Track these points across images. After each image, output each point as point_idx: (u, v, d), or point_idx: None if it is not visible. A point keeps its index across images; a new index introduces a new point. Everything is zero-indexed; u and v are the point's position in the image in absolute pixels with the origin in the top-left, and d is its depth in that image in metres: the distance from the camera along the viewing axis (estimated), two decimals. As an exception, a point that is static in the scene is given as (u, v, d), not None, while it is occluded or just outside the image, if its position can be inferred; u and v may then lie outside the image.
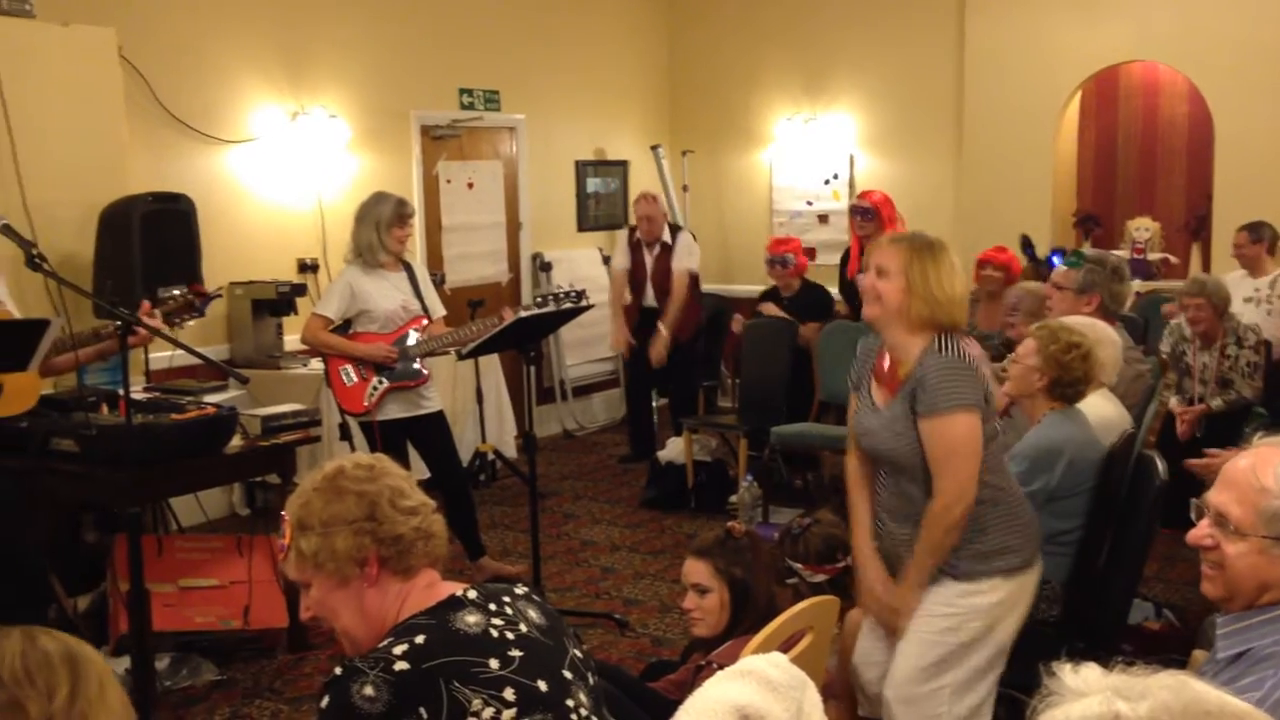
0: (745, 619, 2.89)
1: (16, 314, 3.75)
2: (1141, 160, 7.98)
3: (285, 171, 6.77)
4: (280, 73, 6.73)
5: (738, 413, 6.91)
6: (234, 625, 4.53)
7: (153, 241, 5.30)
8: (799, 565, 3.41)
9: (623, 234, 7.90)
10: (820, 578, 3.39)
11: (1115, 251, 7.04)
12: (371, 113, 7.18)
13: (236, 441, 4.48)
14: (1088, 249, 6.22)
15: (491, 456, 7.05)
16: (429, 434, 5.19)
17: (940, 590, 2.91)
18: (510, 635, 1.87)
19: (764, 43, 8.92)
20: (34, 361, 3.35)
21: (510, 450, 7.25)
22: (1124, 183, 8.05)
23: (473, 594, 1.93)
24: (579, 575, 5.58)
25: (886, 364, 2.98)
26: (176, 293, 3.99)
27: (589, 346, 8.59)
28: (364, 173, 7.13)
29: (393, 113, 7.34)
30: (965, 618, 2.89)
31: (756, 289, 8.76)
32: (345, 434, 5.77)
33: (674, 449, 6.79)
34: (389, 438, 4.94)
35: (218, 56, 6.42)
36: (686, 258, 7.37)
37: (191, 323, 4.24)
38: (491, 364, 7.09)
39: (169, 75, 6.11)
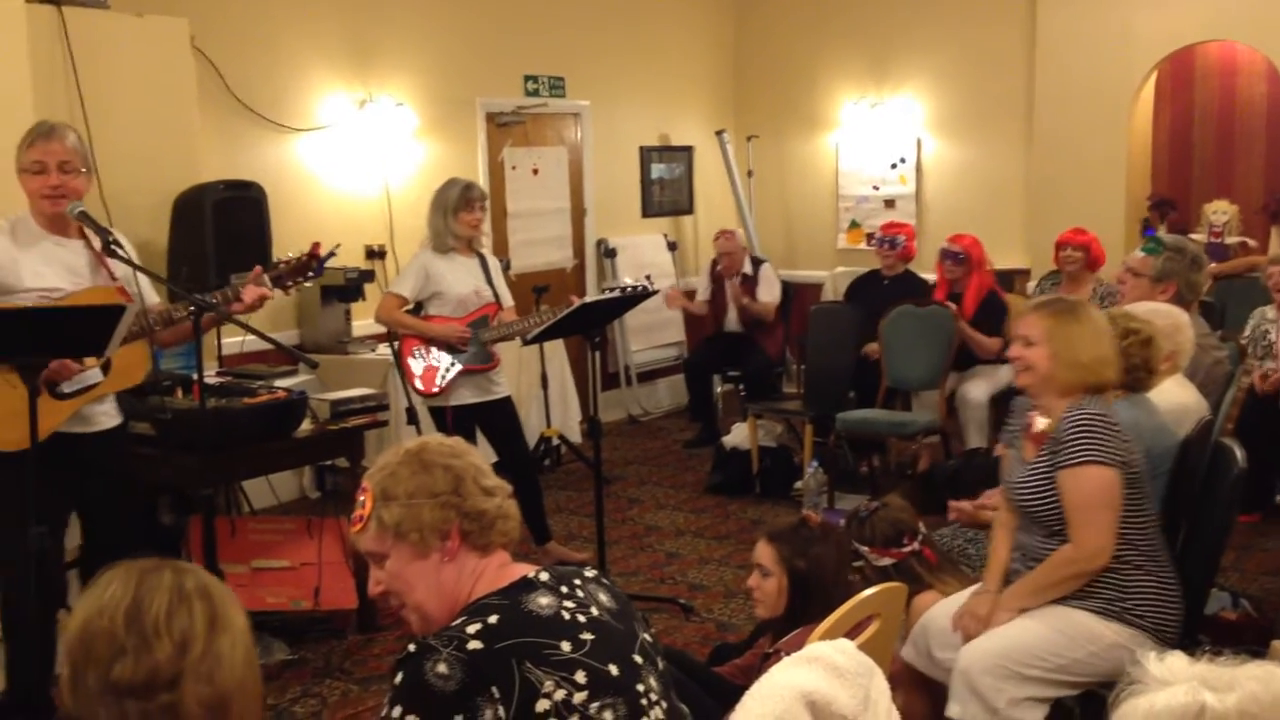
0: (812, 608, 2.87)
1: (151, 297, 3.80)
2: (1218, 142, 7.79)
3: (353, 159, 6.84)
4: (348, 61, 6.80)
5: (803, 398, 6.86)
6: (304, 606, 4.60)
7: (225, 229, 5.39)
8: (865, 549, 3.39)
9: (701, 270, 8.00)
10: (886, 561, 3.37)
11: (1193, 235, 6.91)
12: (437, 100, 7.23)
13: (306, 425, 4.55)
14: (1164, 234, 6.10)
15: (556, 441, 7.08)
16: (498, 419, 5.23)
17: (1072, 613, 2.95)
18: (581, 618, 1.88)
19: (830, 26, 8.83)
20: (111, 347, 3.41)
21: (575, 435, 7.28)
22: (1200, 165, 7.87)
23: (544, 576, 1.94)
24: (643, 560, 5.60)
25: (1037, 424, 3.09)
26: (292, 255, 3.94)
27: (654, 332, 8.59)
28: (430, 160, 7.18)
29: (458, 100, 7.38)
30: (1080, 642, 2.91)
31: (820, 274, 8.76)
32: (412, 418, 5.81)
33: (739, 434, 6.78)
34: (460, 423, 4.98)
35: (287, 45, 6.50)
36: (770, 291, 7.62)
37: (300, 288, 4.11)
38: (556, 349, 7.12)
39: (239, 64, 6.20)
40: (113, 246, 3.63)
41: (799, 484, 6.38)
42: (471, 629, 1.80)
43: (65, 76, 5.04)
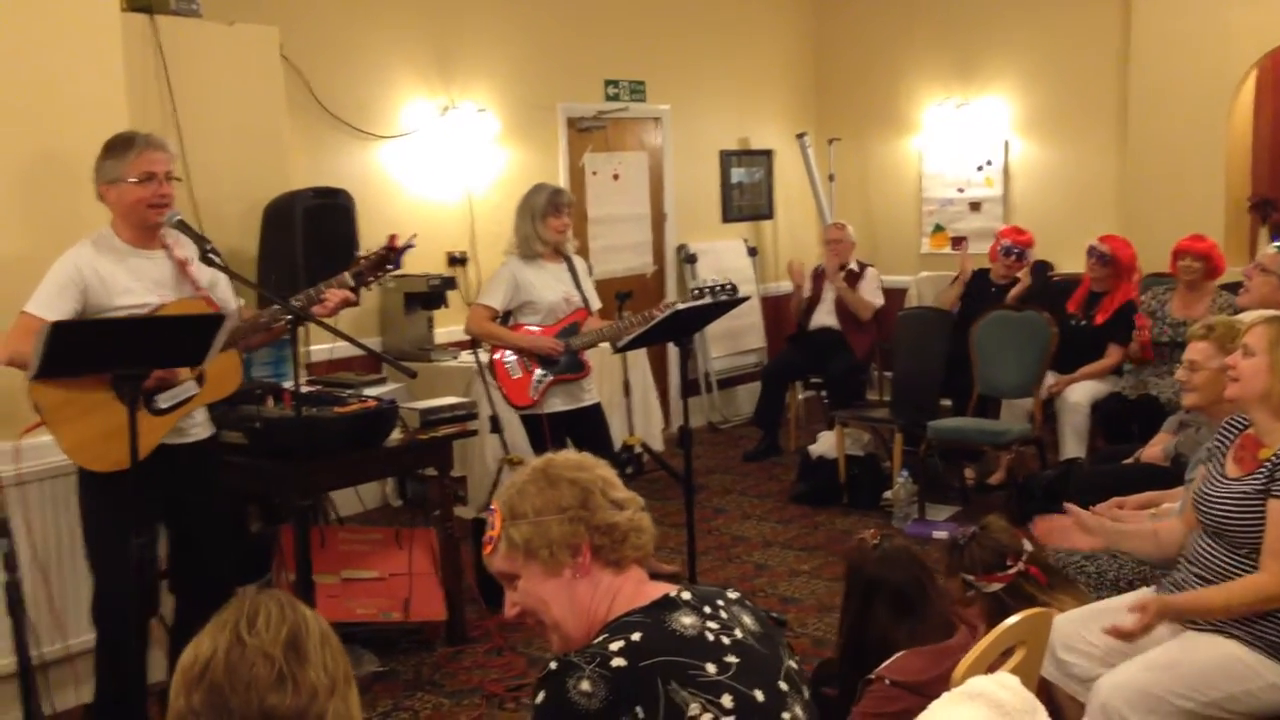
0: (897, 631, 2.73)
1: (231, 303, 3.79)
2: (1323, 141, 7.52)
3: (435, 165, 6.83)
4: (431, 68, 6.79)
5: (890, 406, 6.71)
6: (394, 617, 4.56)
7: (314, 236, 5.38)
8: (971, 577, 3.23)
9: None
10: (995, 587, 3.19)
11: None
12: (519, 106, 7.19)
13: (396, 434, 4.50)
14: None
15: (639, 449, 7.00)
16: (588, 426, 5.16)
17: (1230, 645, 2.83)
18: (726, 640, 1.81)
19: (913, 26, 8.67)
20: (209, 356, 3.39)
21: (657, 443, 7.19)
22: (1303, 164, 7.60)
23: (687, 595, 1.87)
24: (732, 572, 5.49)
25: (1248, 442, 2.96)
26: (370, 250, 3.91)
27: (734, 339, 8.49)
28: (512, 166, 7.15)
29: (540, 105, 7.33)
30: (1236, 678, 2.79)
31: (904, 279, 8.59)
32: (495, 426, 5.78)
33: (825, 443, 6.64)
34: (553, 431, 4.92)
35: (371, 53, 6.49)
36: (873, 294, 7.57)
37: (382, 283, 4.11)
38: (639, 357, 7.04)
39: (325, 72, 6.20)
40: (209, 255, 3.62)
41: (888, 494, 6.24)
42: (615, 646, 1.73)
43: (158, 84, 5.07)
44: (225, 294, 3.77)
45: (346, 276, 3.81)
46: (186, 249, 3.65)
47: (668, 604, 1.84)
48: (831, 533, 6.01)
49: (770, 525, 6.18)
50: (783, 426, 7.71)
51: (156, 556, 3.78)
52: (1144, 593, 3.17)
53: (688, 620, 1.81)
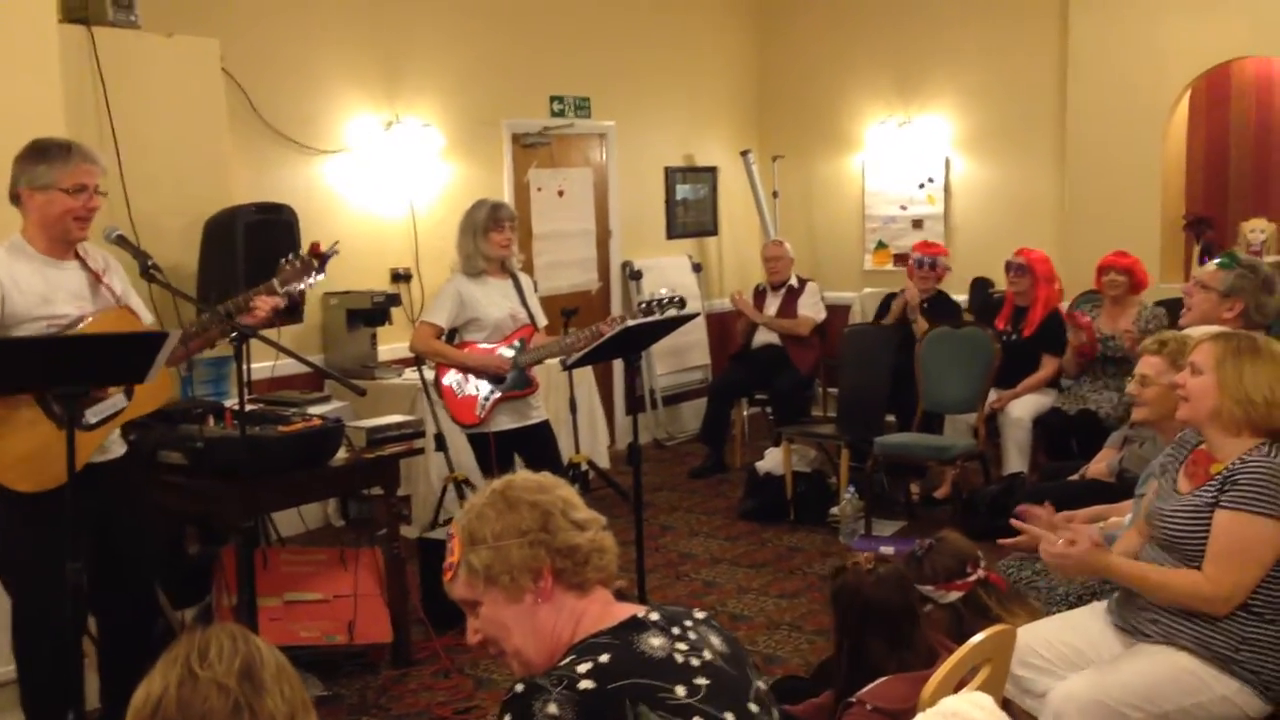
0: (879, 656, 2.70)
1: (145, 315, 3.69)
2: (1256, 159, 7.67)
3: (379, 181, 6.75)
4: (375, 82, 6.71)
5: (837, 422, 6.73)
6: (339, 640, 4.47)
7: (256, 251, 5.27)
8: (929, 588, 3.22)
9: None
10: (953, 595, 3.19)
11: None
12: (464, 121, 7.14)
13: (342, 454, 4.42)
14: (1242, 254, 5.96)
15: (585, 467, 6.96)
16: (537, 444, 5.11)
17: (1182, 658, 2.84)
18: (695, 662, 1.77)
19: (855, 45, 8.75)
20: (151, 373, 3.30)
21: (604, 460, 7.15)
22: (1237, 183, 7.75)
23: (654, 616, 1.84)
24: (681, 590, 5.46)
25: (1200, 457, 2.98)
26: (293, 256, 3.84)
27: (678, 355, 8.48)
28: (456, 181, 7.09)
29: (485, 121, 7.29)
30: (1187, 690, 2.80)
31: (848, 295, 8.65)
32: (441, 444, 5.73)
33: (772, 459, 6.64)
34: (499, 449, 4.87)
35: (314, 66, 6.41)
36: (814, 309, 7.61)
37: (306, 289, 4.07)
38: (585, 374, 7.00)
39: (267, 86, 6.11)
40: (151, 270, 3.54)
41: (835, 510, 6.25)
42: (583, 668, 1.70)
43: (95, 96, 4.96)
44: (138, 307, 3.68)
45: (274, 283, 3.75)
46: (98, 261, 3.56)
47: (635, 625, 1.80)
48: (779, 549, 6.00)
49: (718, 542, 6.16)
50: (728, 443, 7.71)
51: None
52: (1095, 607, 3.18)
53: (656, 641, 1.77)
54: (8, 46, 4.01)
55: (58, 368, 3.12)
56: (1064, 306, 6.77)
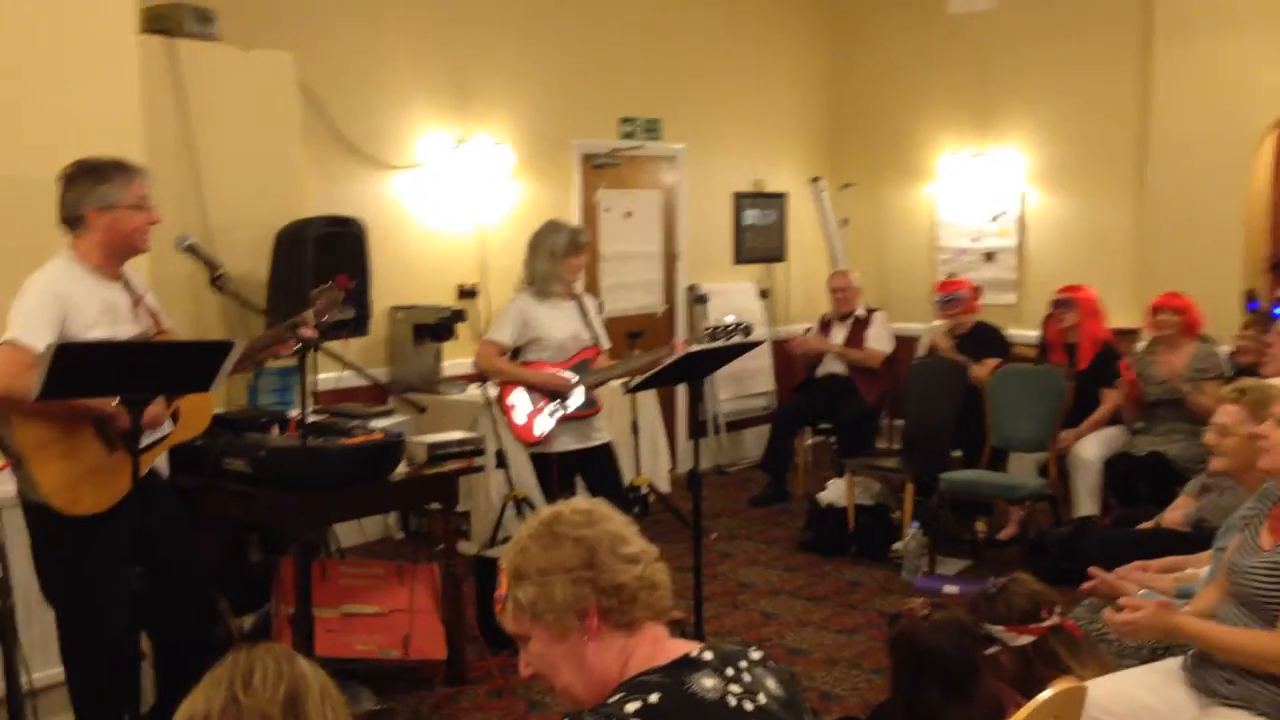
0: (950, 711, 2.60)
1: (169, 327, 3.74)
2: (1344, 201, 7.46)
3: (448, 198, 6.78)
4: (447, 99, 6.75)
5: (901, 455, 6.61)
6: (394, 655, 4.45)
7: (325, 264, 5.29)
8: (999, 629, 3.10)
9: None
10: (1024, 640, 3.06)
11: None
12: (534, 140, 7.16)
13: (402, 468, 4.42)
14: None
15: (645, 490, 6.90)
16: (599, 466, 5.08)
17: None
18: (749, 706, 1.69)
19: (932, 74, 8.65)
20: (216, 383, 3.32)
21: (664, 484, 7.10)
22: (1324, 225, 7.54)
23: (708, 655, 1.75)
24: (739, 619, 5.38)
25: None
26: (324, 288, 3.81)
27: (742, 381, 8.41)
28: (525, 200, 7.10)
29: (555, 140, 7.30)
30: None
31: (917, 327, 8.50)
32: (501, 462, 5.70)
33: (834, 491, 6.54)
34: (561, 470, 4.84)
35: (388, 82, 6.46)
36: (881, 340, 7.49)
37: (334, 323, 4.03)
38: (648, 397, 6.96)
39: (341, 100, 6.16)
40: (218, 280, 3.56)
41: (897, 545, 6.14)
42: (631, 707, 1.63)
43: (174, 108, 5.03)
44: (174, 329, 3.75)
45: (309, 315, 3.71)
46: (138, 284, 3.59)
47: (688, 664, 1.72)
48: (839, 583, 5.90)
49: (777, 572, 6.07)
50: (790, 472, 7.62)
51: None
52: (1170, 664, 3.06)
53: (709, 683, 1.69)
54: (89, 56, 4.07)
55: (127, 374, 3.13)
56: (1140, 345, 6.61)
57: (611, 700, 1.67)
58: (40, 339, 3.21)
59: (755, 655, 1.81)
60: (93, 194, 3.40)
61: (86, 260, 3.45)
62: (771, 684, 1.77)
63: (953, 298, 6.98)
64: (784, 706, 1.75)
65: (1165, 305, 6.08)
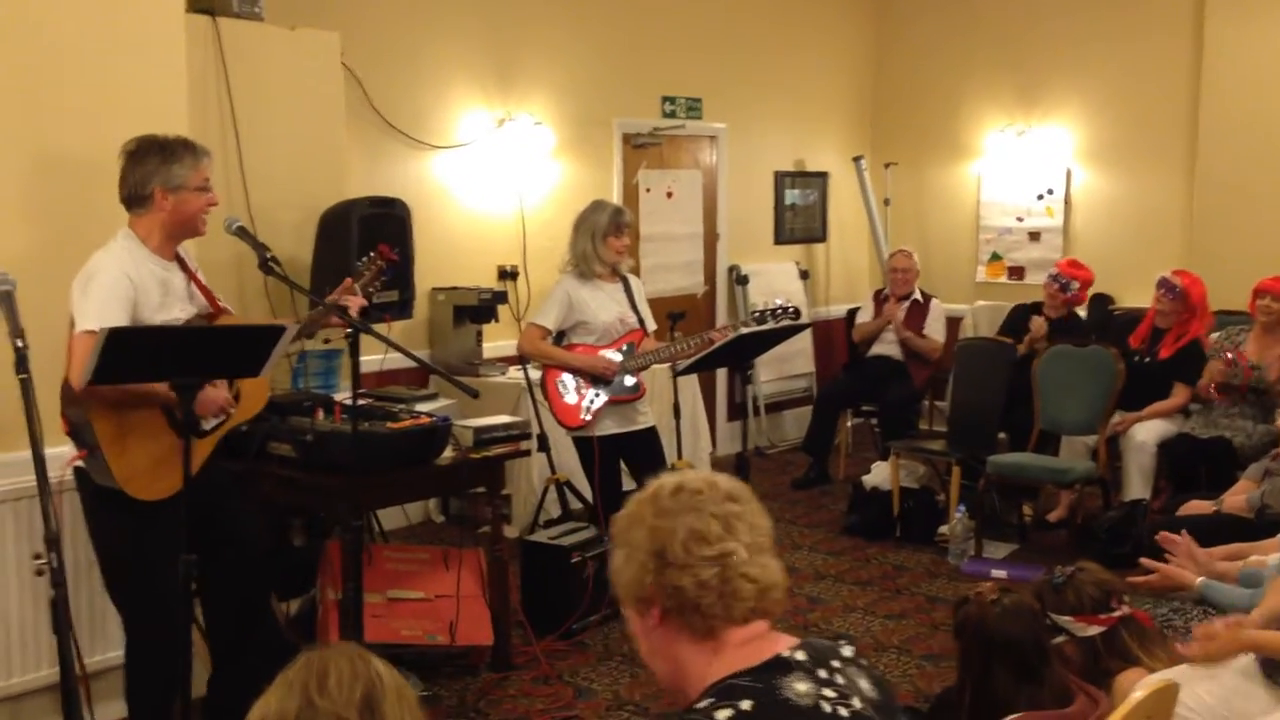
0: (1020, 695, 2.55)
1: (225, 306, 3.72)
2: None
3: (489, 178, 6.72)
4: (489, 79, 6.69)
5: (947, 438, 6.53)
6: (440, 640, 4.43)
7: (369, 245, 5.20)
8: (1067, 619, 3.03)
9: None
10: (1093, 630, 2.99)
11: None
12: (575, 120, 7.09)
13: (448, 453, 4.38)
14: None
15: (687, 473, 6.84)
16: (642, 450, 5.03)
17: None
18: (844, 712, 1.61)
19: (976, 51, 8.52)
20: (267, 367, 3.29)
21: (705, 466, 7.04)
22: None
23: (801, 655, 1.66)
24: (785, 603, 5.32)
25: None
26: (368, 258, 3.92)
27: (782, 363, 8.33)
28: (566, 180, 7.04)
29: (596, 120, 7.23)
30: None
31: (960, 308, 8.42)
32: (543, 445, 5.67)
33: (879, 474, 6.47)
34: (603, 454, 4.79)
35: (430, 62, 6.40)
36: (939, 331, 7.37)
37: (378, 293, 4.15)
38: (689, 379, 6.89)
39: (383, 80, 6.11)
40: (269, 263, 3.52)
41: (943, 529, 6.07)
42: (723, 715, 1.55)
43: (218, 87, 4.98)
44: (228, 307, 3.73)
45: (356, 286, 3.80)
46: (192, 262, 3.57)
47: (780, 666, 1.63)
48: (884, 567, 5.84)
49: (821, 556, 6.01)
50: (832, 454, 7.55)
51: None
52: (1241, 658, 2.98)
53: (802, 687, 1.61)
54: (137, 34, 4.03)
55: (179, 359, 3.11)
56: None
57: (701, 705, 1.59)
58: (112, 324, 3.18)
59: (847, 653, 1.72)
60: (161, 172, 3.36)
61: (148, 241, 3.41)
62: (865, 685, 1.69)
63: (1068, 284, 6.63)
64: (878, 710, 1.67)
65: (1270, 289, 5.76)
